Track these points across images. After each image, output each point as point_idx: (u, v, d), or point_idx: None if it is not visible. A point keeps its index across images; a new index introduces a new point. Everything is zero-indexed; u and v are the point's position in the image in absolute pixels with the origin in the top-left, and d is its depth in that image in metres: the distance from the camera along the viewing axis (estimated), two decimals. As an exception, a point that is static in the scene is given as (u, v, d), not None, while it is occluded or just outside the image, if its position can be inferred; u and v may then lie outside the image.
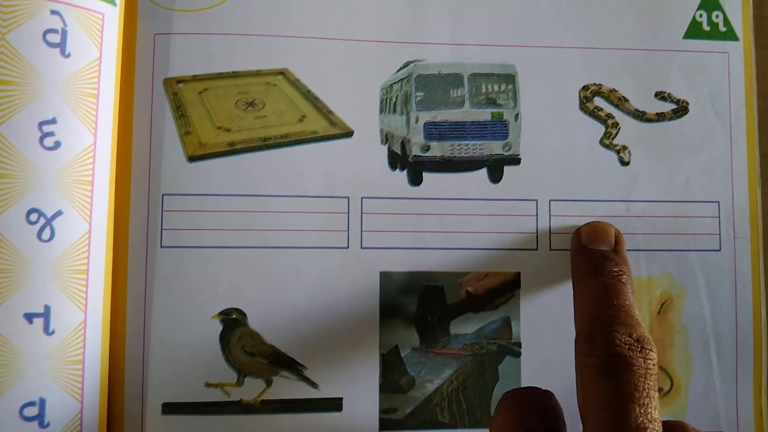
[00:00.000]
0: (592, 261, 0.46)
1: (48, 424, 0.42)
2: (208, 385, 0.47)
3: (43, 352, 0.44)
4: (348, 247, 0.48)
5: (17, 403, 0.42)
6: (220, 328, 0.47)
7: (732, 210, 0.50)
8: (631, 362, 0.40)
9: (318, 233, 0.48)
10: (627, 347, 0.40)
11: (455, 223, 0.49)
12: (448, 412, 0.48)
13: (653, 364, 0.40)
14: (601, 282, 0.44)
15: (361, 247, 0.48)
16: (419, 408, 0.48)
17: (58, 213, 0.43)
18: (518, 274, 0.49)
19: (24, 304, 0.43)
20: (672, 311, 0.50)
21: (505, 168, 0.50)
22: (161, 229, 0.47)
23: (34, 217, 0.42)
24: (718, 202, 0.50)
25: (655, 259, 0.50)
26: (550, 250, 0.49)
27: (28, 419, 0.42)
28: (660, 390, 0.49)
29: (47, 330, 0.42)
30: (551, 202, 0.49)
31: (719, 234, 0.50)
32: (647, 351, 0.40)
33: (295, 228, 0.48)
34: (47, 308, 0.42)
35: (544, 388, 0.41)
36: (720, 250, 0.50)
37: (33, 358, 0.43)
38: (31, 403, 0.42)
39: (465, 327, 0.49)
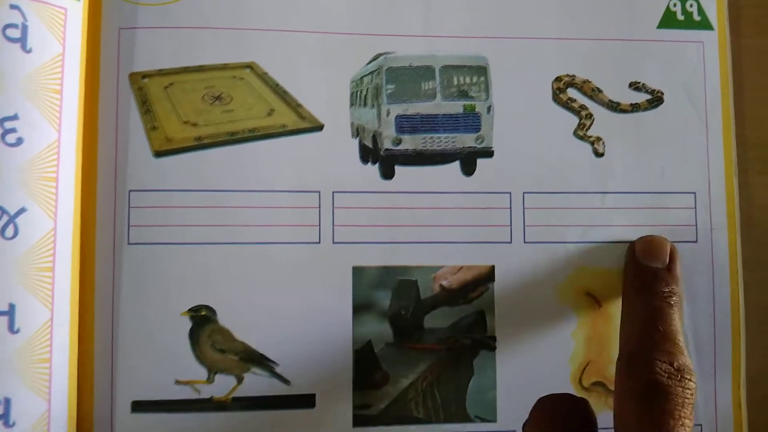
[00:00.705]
0: (644, 278, 0.46)
1: (13, 424, 0.41)
2: (178, 382, 0.46)
3: (8, 350, 0.43)
4: (320, 242, 0.47)
5: None
6: (190, 325, 0.46)
7: (708, 201, 0.50)
8: (669, 390, 0.40)
9: (289, 228, 0.47)
10: (667, 375, 0.41)
11: (428, 217, 0.48)
12: (422, 407, 0.47)
13: (691, 394, 0.40)
14: (649, 303, 0.45)
15: (333, 242, 0.47)
16: (394, 403, 0.47)
17: (22, 210, 0.42)
18: (492, 268, 0.49)
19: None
20: (649, 303, 0.49)
21: (478, 161, 0.49)
22: (128, 226, 0.46)
23: (-3, 215, 0.41)
24: (695, 193, 0.50)
25: (630, 250, 0.49)
26: (524, 243, 0.49)
27: (-6, 418, 0.41)
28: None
29: (12, 328, 0.42)
30: (525, 195, 0.48)
31: (696, 225, 0.50)
32: (686, 381, 0.41)
33: (265, 224, 0.47)
34: (12, 306, 0.42)
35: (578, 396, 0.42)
36: (697, 241, 0.50)
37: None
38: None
39: (439, 321, 0.48)
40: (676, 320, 0.43)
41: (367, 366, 0.48)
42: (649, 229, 0.50)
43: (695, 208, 0.50)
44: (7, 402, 0.42)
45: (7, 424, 0.41)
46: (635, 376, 0.41)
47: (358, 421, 0.47)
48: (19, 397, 0.42)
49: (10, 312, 0.42)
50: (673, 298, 0.44)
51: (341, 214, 0.48)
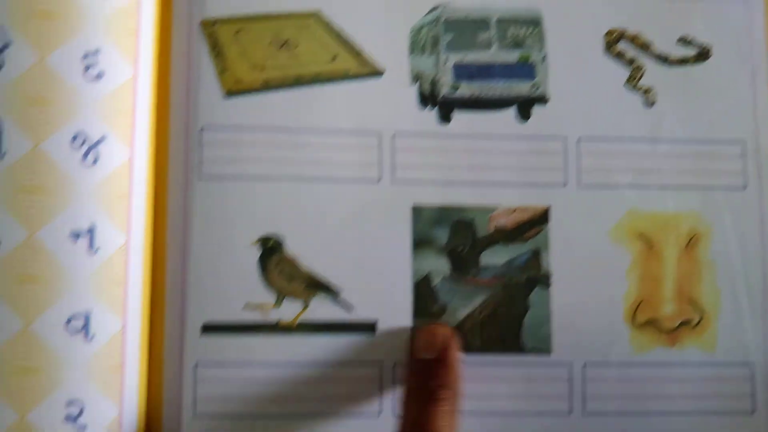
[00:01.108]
0: (414, 376, 0.46)
1: (92, 337, 0.43)
2: (248, 305, 0.48)
3: (87, 269, 0.46)
4: (380, 181, 0.49)
5: (63, 316, 0.44)
6: (259, 253, 0.48)
7: (757, 148, 0.51)
8: None
9: (351, 167, 0.50)
10: None
11: (485, 160, 0.50)
12: (479, 337, 0.49)
13: None
14: (415, 405, 0.45)
15: (393, 182, 0.49)
16: (451, 334, 0.49)
17: (102, 139, 0.45)
18: (547, 209, 0.51)
19: (70, 223, 0.46)
20: (699, 246, 0.51)
21: (534, 107, 0.51)
22: (200, 161, 0.48)
23: (79, 140, 0.44)
24: (743, 142, 0.51)
25: (681, 196, 0.51)
26: (578, 186, 0.50)
27: (73, 333, 0.43)
28: (689, 322, 0.50)
29: (92, 247, 0.44)
30: (579, 140, 0.50)
31: (744, 173, 0.51)
32: None
33: (329, 161, 0.49)
34: (91, 227, 0.44)
35: None
36: (745, 189, 0.51)
37: (77, 276, 0.45)
38: (76, 317, 0.43)
39: (495, 259, 0.50)
40: (443, 419, 0.43)
41: (425, 297, 0.50)
42: (699, 176, 0.51)
43: (743, 156, 0.51)
44: (87, 317, 0.44)
45: (87, 336, 0.43)
46: None
47: (417, 349, 0.48)
48: (96, 313, 0.44)
49: (91, 232, 0.44)
50: (442, 392, 0.44)
51: (401, 155, 0.50)
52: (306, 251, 0.50)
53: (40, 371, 0.44)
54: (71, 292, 0.45)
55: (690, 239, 0.51)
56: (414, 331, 0.48)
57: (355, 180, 0.49)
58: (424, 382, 0.44)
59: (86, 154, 0.44)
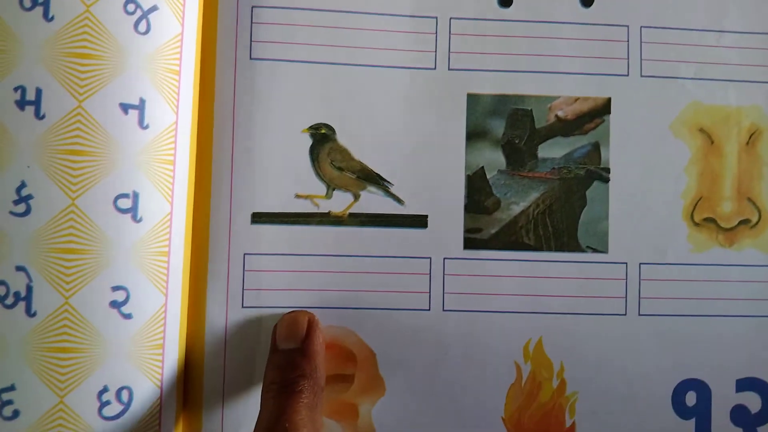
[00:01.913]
0: (273, 370, 0.44)
1: (141, 219, 0.41)
2: (297, 196, 0.46)
3: (136, 146, 0.44)
4: (435, 68, 0.48)
5: (112, 194, 0.43)
6: (310, 142, 0.46)
7: None
8: None
9: (405, 53, 0.47)
10: None
11: (545, 47, 0.48)
12: (533, 234, 0.47)
13: None
14: (272, 398, 0.43)
15: (449, 69, 0.48)
16: (504, 229, 0.47)
17: (154, 8, 0.43)
18: (609, 100, 0.49)
19: (121, 95, 0.44)
20: (760, 143, 0.49)
21: (596, -7, 0.48)
22: (251, 42, 0.46)
23: (131, 7, 0.41)
24: None
25: (744, 89, 0.49)
26: (641, 76, 0.48)
27: (121, 212, 0.41)
28: (748, 221, 0.48)
29: (141, 124, 0.42)
30: (642, 29, 0.48)
31: None
32: None
33: (384, 47, 0.47)
34: (142, 101, 0.44)
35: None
36: None
37: (126, 153, 0.44)
38: (124, 195, 0.41)
39: (553, 151, 0.48)
40: (302, 412, 0.41)
41: (479, 191, 0.48)
42: (763, 69, 0.48)
43: None
44: (136, 197, 0.42)
45: (135, 218, 0.42)
46: None
47: (469, 243, 0.47)
48: (144, 194, 0.42)
49: (141, 108, 0.42)
50: (300, 383, 0.42)
51: (457, 40, 0.48)
52: (358, 142, 0.48)
53: (85, 252, 0.42)
54: (120, 167, 0.43)
55: (751, 135, 0.49)
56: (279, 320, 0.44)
57: (410, 67, 0.47)
58: (283, 374, 0.42)
59: (138, 22, 0.41)
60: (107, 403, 0.41)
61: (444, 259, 0.47)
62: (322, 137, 0.46)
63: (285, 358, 0.43)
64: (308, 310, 0.47)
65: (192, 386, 0.45)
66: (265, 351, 0.47)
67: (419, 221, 0.47)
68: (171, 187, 0.43)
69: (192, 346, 0.45)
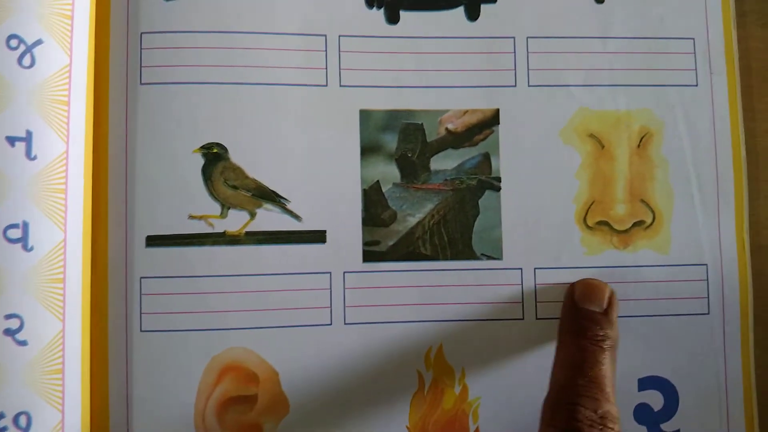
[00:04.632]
0: (578, 322, 0.45)
1: (32, 248, 0.42)
2: (192, 217, 0.47)
3: (25, 177, 0.45)
4: (327, 84, 0.49)
5: (1, 224, 0.43)
6: (203, 162, 0.47)
7: (707, 46, 0.51)
8: None
9: (296, 71, 0.48)
10: (589, 423, 0.41)
11: (434, 62, 0.49)
12: (430, 244, 0.48)
13: None
14: (582, 346, 0.44)
15: (340, 85, 0.48)
16: (402, 241, 0.48)
17: (38, 42, 0.43)
18: (497, 111, 0.50)
19: (7, 128, 0.45)
20: (651, 145, 0.50)
21: (482, 6, 0.49)
22: (140, 66, 0.47)
23: (14, 42, 0.42)
24: (693, 38, 0.51)
25: (633, 93, 0.51)
26: (528, 86, 0.50)
27: (11, 242, 0.42)
28: (642, 223, 0.49)
29: (29, 155, 0.43)
30: (528, 39, 0.49)
31: (695, 69, 0.51)
32: (609, 429, 0.41)
33: (274, 65, 0.48)
34: (29, 134, 0.43)
35: None
36: (697, 85, 0.50)
37: (14, 183, 0.45)
38: (14, 225, 0.42)
39: (445, 163, 0.49)
40: (606, 366, 0.42)
41: (375, 205, 0.49)
42: (650, 73, 0.50)
43: (694, 53, 0.51)
44: (26, 226, 0.42)
45: (25, 247, 0.42)
46: (557, 422, 0.42)
47: (367, 256, 0.48)
48: (35, 223, 0.43)
49: (28, 139, 0.43)
50: (606, 342, 0.43)
51: (348, 57, 0.49)
52: (252, 159, 0.49)
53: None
54: (8, 198, 0.43)
55: (642, 138, 0.50)
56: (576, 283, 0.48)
57: (301, 84, 0.48)
58: (592, 330, 0.45)
59: (22, 57, 0.42)
60: (4, 429, 0.41)
61: (344, 273, 0.47)
62: (214, 156, 0.47)
63: (591, 317, 0.46)
64: (207, 331, 0.48)
65: (96, 410, 0.45)
66: (168, 373, 0.48)
67: (318, 237, 0.48)
68: (63, 215, 0.43)
69: (95, 369, 0.45)
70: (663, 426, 0.49)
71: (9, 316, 0.42)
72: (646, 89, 0.51)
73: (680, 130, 0.51)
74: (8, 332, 0.41)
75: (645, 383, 0.49)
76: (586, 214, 0.49)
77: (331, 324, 0.48)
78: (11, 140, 0.42)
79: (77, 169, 0.44)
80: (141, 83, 0.47)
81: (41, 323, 0.43)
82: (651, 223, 0.50)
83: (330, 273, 0.47)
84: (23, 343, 0.42)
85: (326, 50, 0.48)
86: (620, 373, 0.47)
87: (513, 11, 0.50)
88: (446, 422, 0.48)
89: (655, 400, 0.49)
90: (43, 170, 0.43)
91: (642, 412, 0.48)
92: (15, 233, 0.42)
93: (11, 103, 0.43)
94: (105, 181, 0.46)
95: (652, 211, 0.50)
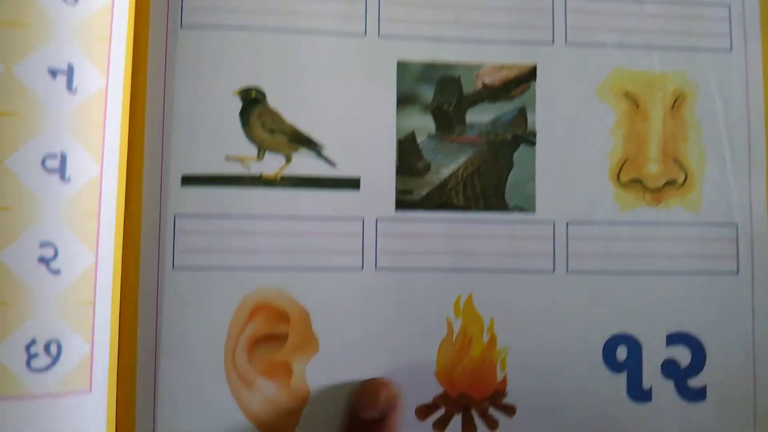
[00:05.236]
0: None
1: (69, 179, 0.42)
2: (228, 158, 0.47)
3: (65, 108, 0.45)
4: (366, 35, 0.49)
5: (39, 154, 0.44)
6: (240, 105, 0.47)
7: (743, 12, 0.51)
8: None
9: (336, 20, 0.49)
10: None
11: (473, 16, 0.49)
12: (462, 195, 0.48)
13: None
14: None
15: (379, 36, 0.48)
16: (435, 191, 0.49)
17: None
18: (534, 67, 0.50)
19: (49, 59, 0.45)
20: (685, 106, 0.50)
21: (522, -36, 0.49)
22: (181, 9, 0.47)
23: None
24: (729, 4, 0.51)
25: (668, 56, 0.51)
26: (566, 43, 0.50)
27: (49, 172, 0.42)
28: (674, 182, 0.49)
29: (70, 87, 0.44)
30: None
31: (730, 35, 0.51)
32: None
33: (314, 13, 0.48)
34: (70, 66, 0.44)
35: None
36: (731, 50, 0.51)
37: (54, 114, 0.45)
38: (52, 155, 0.42)
39: (481, 116, 0.49)
40: None
41: (409, 155, 0.49)
42: (685, 37, 0.50)
43: (729, 19, 0.51)
44: (63, 157, 0.43)
45: (63, 177, 0.42)
46: None
47: (400, 204, 0.49)
48: (73, 154, 0.44)
49: (70, 71, 0.44)
50: None
51: (387, 8, 0.50)
52: (289, 105, 0.49)
53: (12, 209, 0.43)
54: (48, 129, 0.43)
55: (676, 99, 0.50)
56: (358, 387, 0.46)
57: (340, 33, 0.48)
58: None
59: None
60: (35, 355, 0.41)
61: (376, 219, 0.47)
62: (252, 100, 0.47)
63: (365, 429, 0.43)
64: (240, 271, 0.48)
65: (125, 344, 0.45)
66: (199, 311, 0.47)
67: (351, 183, 0.48)
68: (101, 148, 0.43)
69: (125, 305, 0.45)
70: (690, 382, 0.48)
71: (44, 244, 0.42)
72: (681, 52, 0.51)
73: (713, 94, 0.51)
74: (42, 260, 0.41)
75: (673, 339, 0.49)
76: (620, 170, 0.49)
77: (362, 269, 0.47)
78: (53, 72, 0.42)
79: (116, 105, 0.45)
80: (181, 27, 0.47)
81: (75, 254, 0.44)
82: (683, 183, 0.50)
83: (363, 219, 0.47)
84: (57, 272, 0.42)
85: (366, 0, 0.48)
86: (649, 327, 0.49)
87: (553, -31, 0.49)
88: (474, 370, 0.48)
89: (682, 356, 0.48)
90: (82, 103, 0.43)
91: (669, 368, 0.48)
92: (53, 163, 0.42)
93: (55, 37, 0.43)
94: (142, 120, 0.47)
95: (685, 171, 0.50)
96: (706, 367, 0.50)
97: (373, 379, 0.46)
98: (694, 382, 0.49)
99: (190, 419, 0.47)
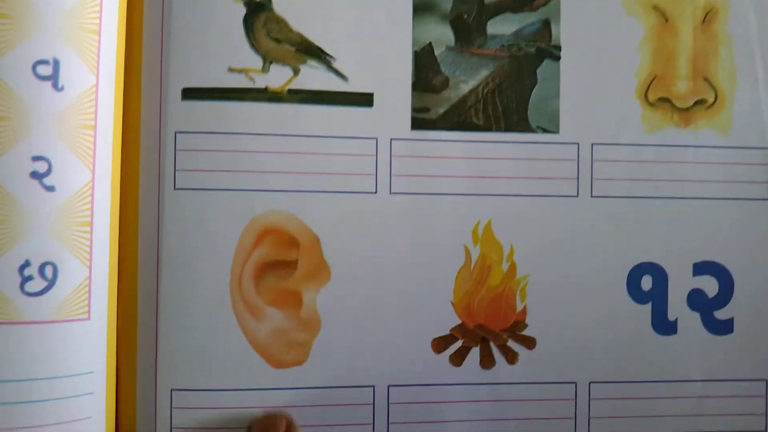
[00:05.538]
0: None
1: (62, 88, 0.39)
2: (231, 69, 0.43)
3: (56, 13, 0.41)
4: None
5: (30, 59, 0.41)
6: (244, 11, 0.43)
7: None
8: None
9: None
10: None
11: None
12: (483, 114, 0.45)
13: None
14: None
15: None
16: (453, 108, 0.45)
17: None
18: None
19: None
20: (717, 21, 0.48)
21: None
22: None
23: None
24: None
25: (699, -34, 0.46)
26: None
27: (41, 79, 0.39)
28: (704, 102, 0.46)
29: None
30: None
31: None
32: None
33: None
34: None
35: None
36: None
37: (47, 17, 0.41)
38: (44, 62, 0.38)
39: (503, 27, 0.46)
40: None
41: (426, 68, 0.46)
42: None
43: None
44: (56, 64, 0.40)
45: (56, 86, 0.40)
46: None
47: (416, 123, 0.45)
48: (66, 62, 0.42)
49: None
50: None
51: None
52: (296, 11, 0.46)
53: (3, 118, 0.40)
54: (39, 32, 0.40)
55: (707, 13, 0.48)
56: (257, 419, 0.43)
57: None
58: None
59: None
60: (30, 278, 0.38)
61: (391, 139, 0.44)
62: (256, 6, 0.44)
63: None
64: (246, 192, 0.44)
65: (125, 269, 0.43)
66: (203, 234, 0.45)
67: (364, 99, 0.45)
68: (96, 57, 0.40)
69: (124, 227, 0.43)
70: (716, 314, 0.46)
71: (36, 158, 0.39)
72: (714, -38, 0.46)
73: (747, 9, 0.48)
74: (35, 175, 0.38)
75: (700, 268, 0.47)
76: (648, 89, 0.47)
77: (376, 192, 0.45)
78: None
79: (111, 11, 0.40)
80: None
81: (70, 170, 0.41)
82: (713, 103, 0.47)
83: (376, 139, 0.44)
84: (51, 188, 0.39)
85: None
86: (675, 256, 0.47)
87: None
88: (492, 299, 0.45)
89: (709, 286, 0.46)
90: (75, 6, 0.39)
91: (695, 299, 0.46)
92: (45, 69, 0.39)
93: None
94: (139, 28, 0.43)
95: (715, 91, 0.47)
96: (733, 298, 0.49)
97: (272, 413, 0.43)
98: (721, 315, 0.48)
99: (195, 351, 0.44)
